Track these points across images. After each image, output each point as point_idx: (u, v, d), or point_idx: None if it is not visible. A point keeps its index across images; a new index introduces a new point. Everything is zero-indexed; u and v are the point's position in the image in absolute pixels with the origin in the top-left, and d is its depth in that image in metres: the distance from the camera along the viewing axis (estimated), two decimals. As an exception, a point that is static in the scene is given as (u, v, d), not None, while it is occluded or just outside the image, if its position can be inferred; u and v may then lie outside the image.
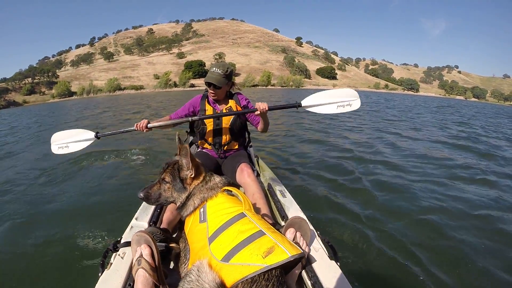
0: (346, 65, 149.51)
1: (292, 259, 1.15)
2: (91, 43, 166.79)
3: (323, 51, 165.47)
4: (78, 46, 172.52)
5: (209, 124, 2.80)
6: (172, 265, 1.85)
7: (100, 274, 1.67)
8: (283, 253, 1.15)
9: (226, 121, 2.79)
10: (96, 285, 1.61)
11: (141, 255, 1.45)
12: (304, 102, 2.75)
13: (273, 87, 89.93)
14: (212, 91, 2.67)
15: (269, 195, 2.79)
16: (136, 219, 2.21)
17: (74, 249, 3.26)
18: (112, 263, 1.75)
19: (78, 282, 2.71)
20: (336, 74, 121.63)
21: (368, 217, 3.80)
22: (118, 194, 4.60)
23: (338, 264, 1.70)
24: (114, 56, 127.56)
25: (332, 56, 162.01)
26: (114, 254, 1.83)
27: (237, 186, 2.55)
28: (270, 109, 2.61)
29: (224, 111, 2.79)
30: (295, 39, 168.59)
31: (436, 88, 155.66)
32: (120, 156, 7.11)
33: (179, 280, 1.25)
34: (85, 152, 7.37)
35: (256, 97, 35.99)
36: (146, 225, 2.13)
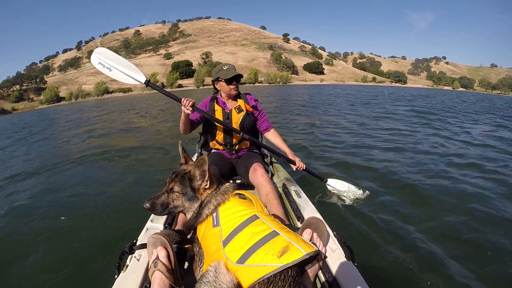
0: (333, 60, 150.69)
1: (307, 257, 1.15)
2: (78, 47, 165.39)
3: (310, 46, 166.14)
4: (65, 51, 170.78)
5: (219, 125, 2.84)
6: (187, 266, 1.85)
7: (116, 276, 1.68)
8: (298, 252, 1.15)
9: (236, 120, 2.83)
10: (112, 287, 1.62)
11: (157, 257, 1.45)
12: (329, 181, 3.66)
13: (260, 84, 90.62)
14: (234, 85, 2.77)
15: (283, 196, 2.83)
16: (151, 221, 2.27)
17: (89, 251, 3.36)
18: (128, 265, 1.76)
19: (94, 284, 2.78)
20: (324, 69, 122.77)
21: (387, 218, 3.76)
22: (134, 196, 4.68)
23: (356, 264, 1.70)
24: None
25: (320, 51, 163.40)
26: (130, 256, 1.85)
27: (251, 186, 2.70)
28: (305, 170, 3.03)
29: (234, 110, 2.84)
30: (282, 35, 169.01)
31: (424, 79, 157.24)
32: (137, 158, 7.15)
33: (195, 282, 1.25)
34: (100, 151, 7.94)
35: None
36: (161, 227, 2.19)
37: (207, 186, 1.59)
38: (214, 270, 1.18)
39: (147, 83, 2.91)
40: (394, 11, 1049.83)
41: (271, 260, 1.13)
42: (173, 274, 1.43)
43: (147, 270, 1.65)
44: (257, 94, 35.25)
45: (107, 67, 2.89)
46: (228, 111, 2.82)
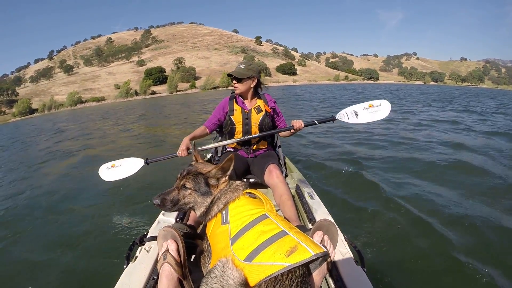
0: (306, 60, 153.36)
1: (315, 257, 1.13)
2: (50, 57, 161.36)
3: (282, 48, 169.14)
4: (37, 61, 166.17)
5: (238, 124, 2.82)
6: (196, 261, 1.79)
7: (125, 266, 1.70)
8: (306, 252, 1.13)
9: (255, 120, 2.82)
10: (121, 276, 1.64)
11: (167, 250, 1.45)
12: (338, 115, 3.00)
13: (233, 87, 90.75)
14: (234, 83, 2.76)
15: (296, 197, 2.79)
16: (163, 214, 2.30)
17: (101, 241, 3.45)
18: (137, 256, 1.79)
19: (103, 273, 2.80)
20: (296, 70, 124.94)
21: (399, 225, 3.66)
22: (147, 190, 4.76)
23: (365, 270, 1.68)
24: (73, 69, 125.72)
25: (292, 52, 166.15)
26: (140, 247, 1.87)
27: (265, 185, 2.71)
28: (306, 125, 2.83)
29: (253, 110, 2.82)
30: (255, 38, 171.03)
31: (396, 75, 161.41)
32: (151, 151, 7.62)
33: (203, 277, 1.24)
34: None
35: (220, 97, 35.85)
36: (173, 220, 2.21)
37: (225, 181, 1.62)
38: (222, 266, 1.17)
39: (147, 161, 3.23)
40: (365, 11, 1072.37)
41: (279, 259, 1.12)
42: (181, 267, 1.43)
43: (156, 262, 1.67)
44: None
45: (115, 174, 3.41)
46: (247, 111, 2.84)
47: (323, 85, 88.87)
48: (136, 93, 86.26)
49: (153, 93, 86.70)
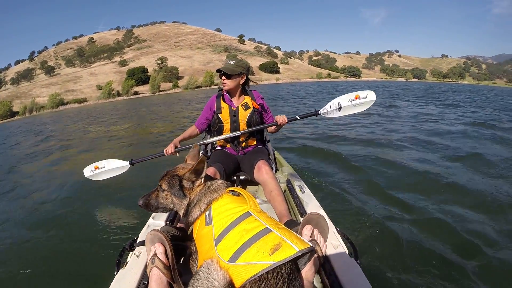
0: (289, 59, 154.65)
1: (300, 254, 1.09)
2: (31, 58, 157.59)
3: (265, 46, 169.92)
4: (17, 62, 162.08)
5: (226, 122, 2.82)
6: (186, 263, 1.70)
7: (115, 273, 1.70)
8: (290, 249, 1.09)
9: (243, 118, 2.81)
10: (111, 283, 1.64)
11: (155, 254, 1.44)
12: (322, 110, 3.03)
13: (216, 86, 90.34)
14: (223, 80, 2.71)
15: (287, 191, 2.79)
16: (153, 218, 2.30)
17: (91, 247, 3.40)
18: (127, 262, 1.79)
19: (94, 281, 2.77)
20: (279, 68, 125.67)
21: (392, 216, 3.65)
22: (138, 191, 4.53)
23: (358, 262, 1.67)
24: (55, 70, 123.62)
25: (275, 51, 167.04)
26: (130, 253, 1.88)
27: (256, 183, 2.72)
28: (289, 120, 2.86)
29: (240, 107, 2.81)
30: (238, 37, 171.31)
31: (378, 72, 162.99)
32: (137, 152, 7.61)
33: None
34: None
35: (202, 96, 38.02)
36: (162, 224, 2.18)
37: (201, 184, 1.58)
38: (207, 267, 1.15)
39: (132, 162, 3.35)
40: (348, 9, 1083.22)
41: (262, 257, 1.08)
42: (170, 270, 1.42)
43: (146, 266, 1.65)
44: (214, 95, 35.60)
45: (99, 174, 3.56)
46: (235, 108, 2.82)
47: (306, 83, 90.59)
48: (119, 94, 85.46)
49: (136, 93, 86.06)
